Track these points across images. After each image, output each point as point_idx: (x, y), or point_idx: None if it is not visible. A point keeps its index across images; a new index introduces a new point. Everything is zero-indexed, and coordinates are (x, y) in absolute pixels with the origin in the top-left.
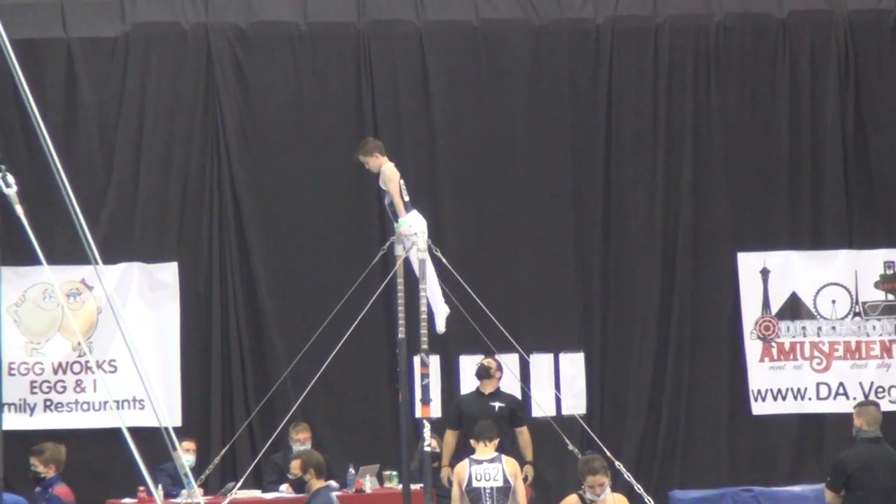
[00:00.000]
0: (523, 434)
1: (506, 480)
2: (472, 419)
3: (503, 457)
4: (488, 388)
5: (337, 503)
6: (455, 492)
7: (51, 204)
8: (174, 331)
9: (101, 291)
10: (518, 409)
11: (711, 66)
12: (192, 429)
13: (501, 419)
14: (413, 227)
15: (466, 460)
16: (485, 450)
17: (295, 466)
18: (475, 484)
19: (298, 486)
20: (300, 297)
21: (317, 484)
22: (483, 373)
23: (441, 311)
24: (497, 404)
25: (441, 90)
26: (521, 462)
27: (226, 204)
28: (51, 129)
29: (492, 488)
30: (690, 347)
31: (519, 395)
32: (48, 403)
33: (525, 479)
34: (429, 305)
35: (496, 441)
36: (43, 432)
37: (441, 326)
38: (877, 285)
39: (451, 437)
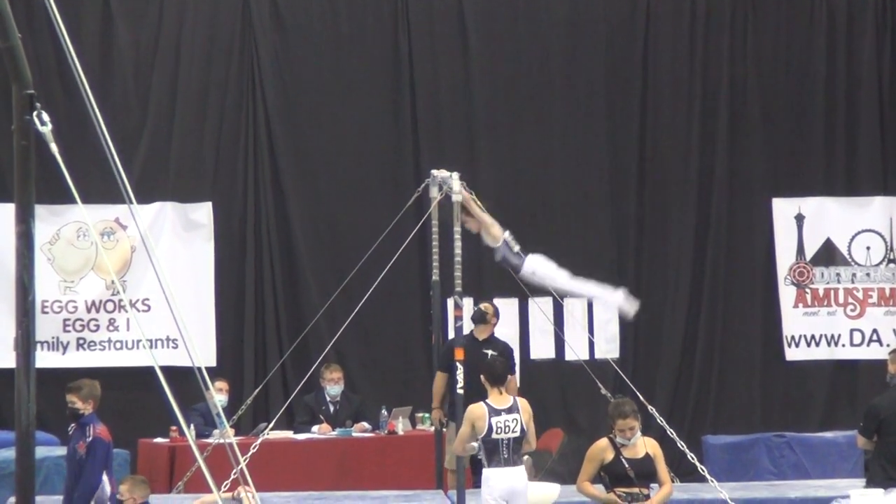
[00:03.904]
0: (511, 382)
1: (522, 430)
2: (464, 364)
3: (518, 402)
4: (482, 334)
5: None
6: (465, 431)
7: (86, 143)
8: (208, 271)
9: (135, 230)
10: (509, 358)
11: (748, 12)
12: (225, 369)
13: None
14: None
15: (484, 407)
16: (500, 398)
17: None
18: (494, 436)
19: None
20: (334, 238)
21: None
22: (479, 317)
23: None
24: (489, 351)
25: (478, 32)
26: None
27: (261, 145)
28: (87, 69)
29: (509, 440)
30: (724, 293)
31: (552, 339)
32: (81, 342)
33: None
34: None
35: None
36: (75, 370)
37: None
38: None
39: (440, 379)
